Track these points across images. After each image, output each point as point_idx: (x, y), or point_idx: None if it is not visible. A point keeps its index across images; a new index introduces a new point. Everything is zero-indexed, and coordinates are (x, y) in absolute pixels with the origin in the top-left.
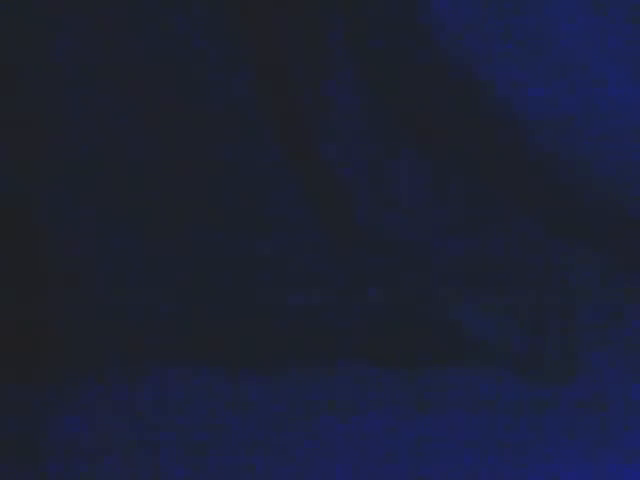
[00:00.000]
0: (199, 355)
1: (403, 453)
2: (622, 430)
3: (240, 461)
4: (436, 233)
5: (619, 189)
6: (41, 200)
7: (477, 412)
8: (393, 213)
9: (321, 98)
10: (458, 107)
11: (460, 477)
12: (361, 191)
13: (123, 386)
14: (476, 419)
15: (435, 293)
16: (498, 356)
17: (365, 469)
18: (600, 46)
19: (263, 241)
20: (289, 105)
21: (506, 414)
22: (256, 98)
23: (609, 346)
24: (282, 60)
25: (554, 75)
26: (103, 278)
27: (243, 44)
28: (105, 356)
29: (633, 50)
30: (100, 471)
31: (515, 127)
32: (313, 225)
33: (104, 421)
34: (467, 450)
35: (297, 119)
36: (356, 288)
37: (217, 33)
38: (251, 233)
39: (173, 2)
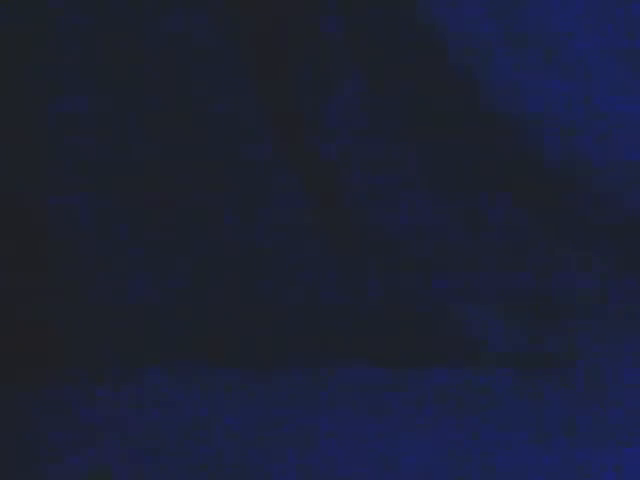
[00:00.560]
0: (199, 355)
1: (403, 453)
2: (622, 428)
3: (240, 461)
4: (436, 233)
5: (619, 189)
6: (41, 200)
7: (477, 412)
8: (393, 213)
9: (321, 98)
10: (458, 107)
11: (460, 476)
12: (361, 191)
13: (123, 386)
14: (476, 419)
15: (435, 293)
16: (498, 356)
17: (365, 469)
18: (600, 46)
19: (263, 241)
20: (289, 105)
21: (506, 414)
22: (256, 98)
23: (609, 346)
24: (282, 60)
25: (554, 75)
26: (103, 278)
27: (243, 44)
28: (105, 356)
29: (633, 50)
30: (100, 471)
31: (515, 127)
32: (313, 225)
33: (104, 421)
34: (467, 450)
35: (297, 119)
36: (356, 288)
37: (217, 33)
38: (251, 233)
39: (173, 2)
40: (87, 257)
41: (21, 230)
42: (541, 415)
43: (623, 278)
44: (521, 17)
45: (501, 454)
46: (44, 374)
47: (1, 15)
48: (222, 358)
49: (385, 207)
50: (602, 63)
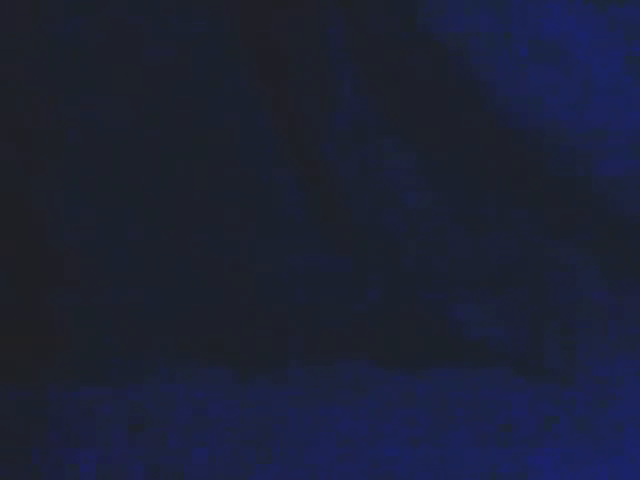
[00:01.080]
0: (199, 355)
1: (403, 453)
2: (622, 430)
3: (240, 460)
4: (436, 233)
5: (619, 189)
6: (41, 200)
7: (477, 412)
8: (393, 213)
9: (321, 98)
10: (458, 107)
11: (460, 476)
12: (361, 191)
13: (123, 386)
14: (476, 419)
15: (435, 293)
16: (498, 356)
17: (365, 469)
18: (600, 46)
19: (263, 241)
20: (289, 105)
21: (506, 414)
22: (256, 99)
23: (609, 346)
24: (282, 60)
25: (554, 75)
26: (103, 278)
27: (243, 44)
28: (105, 356)
29: (633, 50)
30: (100, 471)
31: (515, 127)
32: (313, 225)
33: (104, 421)
34: (467, 450)
35: (297, 119)
36: (356, 288)
37: (217, 34)
38: (251, 233)
39: (173, 3)
40: (87, 257)
41: (21, 230)
42: (541, 415)
43: (623, 278)
44: (521, 17)
45: (501, 454)
46: (44, 374)
47: (1, 15)
48: (222, 358)
49: (385, 207)
50: (602, 63)
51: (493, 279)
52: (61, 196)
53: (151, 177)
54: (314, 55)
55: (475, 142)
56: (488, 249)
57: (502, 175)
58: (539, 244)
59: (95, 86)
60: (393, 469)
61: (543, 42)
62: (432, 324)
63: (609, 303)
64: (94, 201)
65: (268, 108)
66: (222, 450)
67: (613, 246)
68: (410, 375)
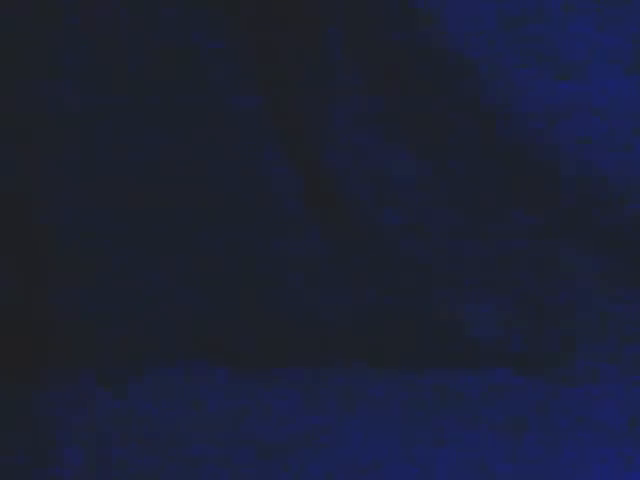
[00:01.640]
0: (199, 355)
1: (403, 453)
2: (622, 430)
3: (240, 461)
4: (436, 233)
5: (619, 188)
6: (41, 200)
7: (477, 412)
8: (393, 213)
9: (321, 98)
10: (458, 107)
11: (460, 476)
12: (361, 191)
13: (123, 386)
14: (476, 419)
15: (435, 293)
16: (498, 356)
17: (364, 469)
18: (600, 46)
19: (263, 240)
20: (289, 105)
21: (506, 414)
22: (256, 99)
23: (609, 346)
24: (282, 60)
25: (554, 75)
26: (103, 278)
27: (243, 45)
28: (105, 356)
29: (633, 50)
30: (100, 471)
31: (515, 127)
32: (313, 225)
33: (104, 421)
34: (467, 450)
35: (297, 119)
36: (356, 288)
37: (217, 34)
38: (251, 232)
39: (173, 3)
40: (87, 257)
41: (21, 230)
42: (541, 415)
43: (623, 278)
44: (521, 17)
45: (501, 454)
46: (44, 374)
47: (1, 15)
48: (222, 358)
49: (385, 207)
50: (603, 63)
51: (493, 279)
52: (61, 196)
53: (151, 177)
54: (314, 55)
55: (475, 142)
56: (488, 249)
57: (502, 175)
58: (539, 244)
59: (95, 86)
60: (393, 469)
61: (544, 41)
62: (432, 324)
63: (609, 303)
64: (94, 201)
65: (268, 108)
66: (222, 450)
67: (613, 246)
68: (410, 375)
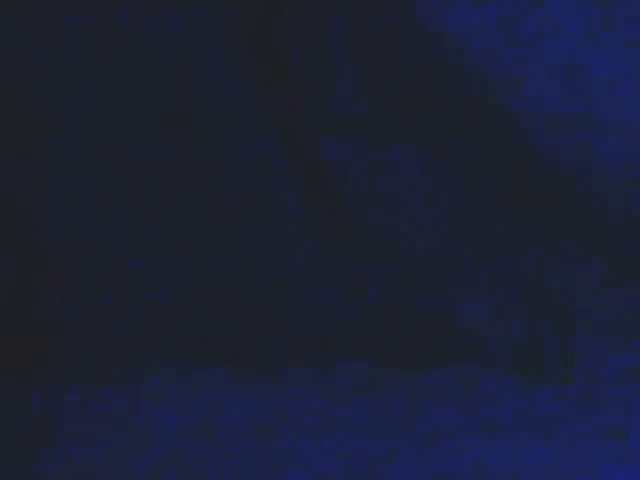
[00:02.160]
0: (199, 355)
1: (403, 453)
2: (622, 430)
3: (240, 461)
4: (436, 233)
5: (619, 189)
6: (41, 200)
7: (477, 412)
8: (393, 213)
9: (321, 98)
10: (458, 107)
11: (460, 476)
12: (360, 191)
13: (123, 386)
14: (476, 419)
15: (435, 293)
16: (498, 356)
17: (364, 469)
18: (600, 46)
19: (263, 241)
20: (289, 105)
21: (506, 414)
22: (256, 98)
23: (609, 346)
24: (282, 60)
25: (554, 75)
26: (103, 278)
27: (243, 44)
28: (105, 356)
29: (633, 50)
30: (100, 471)
31: (515, 127)
32: (313, 225)
33: (104, 421)
34: (467, 450)
35: (297, 118)
36: (356, 288)
37: (216, 33)
38: (251, 233)
39: (173, 2)
40: (87, 257)
41: (21, 230)
42: (541, 415)
43: (623, 278)
44: (521, 17)
45: (500, 454)
46: (44, 374)
47: (1, 15)
48: (222, 358)
49: (385, 207)
50: (603, 63)
51: (493, 279)
52: (61, 196)
53: (151, 177)
54: (314, 54)
55: (475, 141)
56: (488, 249)
57: (502, 175)
58: (539, 244)
59: (94, 86)
60: (393, 469)
61: (544, 40)
62: (432, 324)
63: (609, 303)
64: (93, 201)
65: (268, 108)
66: (222, 450)
67: (613, 246)
68: (410, 375)
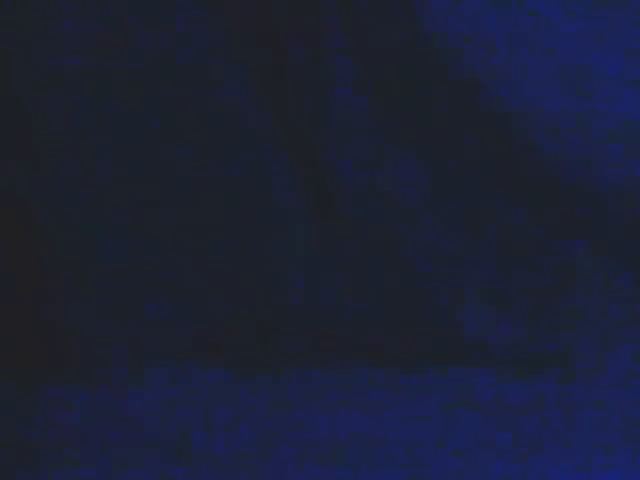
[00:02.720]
0: (199, 355)
1: (403, 453)
2: (622, 430)
3: (239, 461)
4: (436, 233)
5: (619, 189)
6: (41, 200)
7: (477, 412)
8: (393, 213)
9: (321, 99)
10: (458, 107)
11: (459, 477)
12: (361, 191)
13: (123, 386)
14: (476, 419)
15: (435, 293)
16: (498, 356)
17: (365, 469)
18: (600, 46)
19: (263, 241)
20: (289, 106)
21: (506, 414)
22: (256, 99)
23: (609, 346)
24: (282, 60)
25: (554, 75)
26: (103, 278)
27: (243, 44)
28: (105, 356)
29: (633, 50)
30: (100, 471)
31: (515, 127)
32: (313, 224)
33: (104, 421)
34: (467, 450)
35: (297, 120)
36: (356, 288)
37: (217, 34)
38: (251, 233)
39: (173, 3)
40: (87, 257)
41: (21, 230)
42: (541, 415)
43: (623, 278)
44: (521, 17)
45: (500, 454)
46: (44, 374)
47: (1, 15)
48: (222, 358)
49: (385, 207)
50: (603, 62)
51: (493, 279)
52: (61, 196)
53: (151, 177)
54: (314, 55)
55: (475, 142)
56: (488, 249)
57: (502, 175)
58: (539, 244)
59: (95, 86)
60: (392, 469)
61: (544, 40)
62: (432, 324)
63: (609, 303)
64: (94, 201)
65: (268, 108)
66: (221, 450)
67: (613, 246)
68: (410, 375)
